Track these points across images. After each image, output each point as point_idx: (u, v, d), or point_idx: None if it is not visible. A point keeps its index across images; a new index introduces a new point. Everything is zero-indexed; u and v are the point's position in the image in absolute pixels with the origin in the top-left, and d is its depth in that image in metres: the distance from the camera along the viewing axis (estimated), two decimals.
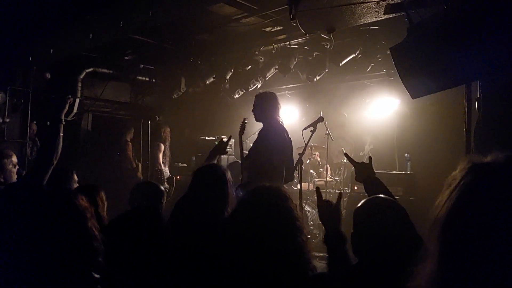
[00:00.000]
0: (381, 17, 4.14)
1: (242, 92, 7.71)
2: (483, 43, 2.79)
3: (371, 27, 5.74)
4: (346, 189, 7.31)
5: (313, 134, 4.78)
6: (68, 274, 1.79)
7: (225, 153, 3.95)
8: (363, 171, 2.48)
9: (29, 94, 7.07)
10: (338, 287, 1.92)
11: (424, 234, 0.90)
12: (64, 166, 3.66)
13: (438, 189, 0.88)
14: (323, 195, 2.31)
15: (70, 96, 3.40)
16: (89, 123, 8.71)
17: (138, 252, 2.21)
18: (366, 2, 3.76)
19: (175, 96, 8.28)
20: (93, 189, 3.11)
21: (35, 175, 3.05)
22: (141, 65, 8.28)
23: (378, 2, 3.75)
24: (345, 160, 7.52)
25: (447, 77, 3.04)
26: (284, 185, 5.22)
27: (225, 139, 4.00)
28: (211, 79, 7.74)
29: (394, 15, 3.81)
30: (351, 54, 6.30)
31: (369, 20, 4.37)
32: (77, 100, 7.56)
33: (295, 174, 4.70)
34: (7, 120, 6.73)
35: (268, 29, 6.45)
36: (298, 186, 5.08)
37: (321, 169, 7.83)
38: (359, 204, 2.01)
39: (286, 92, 8.61)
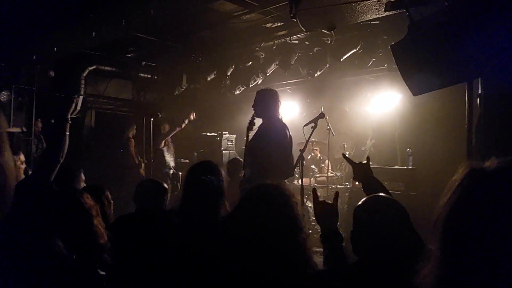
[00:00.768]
0: (381, 14, 4.15)
1: (243, 88, 7.74)
2: (485, 40, 2.80)
3: (372, 22, 5.74)
4: (347, 184, 7.33)
5: (314, 130, 4.79)
6: (74, 270, 1.83)
7: None
8: (361, 171, 2.50)
9: (34, 92, 7.13)
10: (337, 286, 1.95)
11: (426, 229, 0.93)
12: (72, 165, 3.70)
13: (440, 184, 0.92)
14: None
15: (76, 96, 3.44)
16: (92, 120, 8.76)
17: (143, 250, 2.25)
18: (366, 0, 3.77)
19: (177, 92, 8.32)
20: (99, 188, 3.16)
21: (42, 174, 3.09)
22: (143, 63, 8.32)
23: (378, 0, 3.77)
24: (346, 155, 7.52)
25: (449, 75, 3.05)
26: (285, 181, 5.26)
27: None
28: (212, 76, 7.77)
29: (394, 12, 3.82)
30: (352, 49, 6.31)
31: (369, 17, 4.38)
32: (81, 98, 7.61)
33: (296, 170, 4.72)
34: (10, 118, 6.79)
35: (268, 25, 6.46)
36: (300, 181, 5.11)
37: (322, 165, 7.85)
38: (359, 203, 2.03)
39: (287, 87, 8.62)
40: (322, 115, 4.85)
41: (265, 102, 4.52)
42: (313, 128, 4.74)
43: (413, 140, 6.97)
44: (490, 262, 0.76)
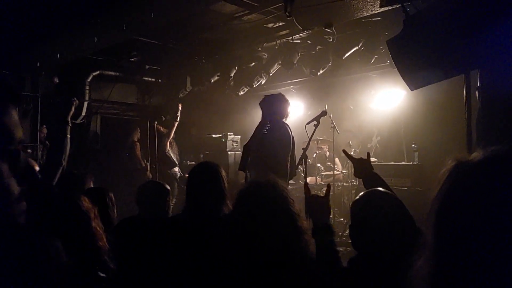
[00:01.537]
0: (377, 10, 4.14)
1: (247, 89, 7.76)
2: (482, 32, 2.79)
3: (373, 19, 5.73)
4: (354, 182, 7.32)
5: (319, 128, 4.79)
6: (73, 272, 1.85)
7: None
8: (362, 167, 2.51)
9: (38, 99, 7.21)
10: (336, 280, 1.96)
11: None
12: (81, 171, 3.74)
13: None
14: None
15: (75, 99, 3.47)
16: (98, 125, 8.83)
17: (146, 253, 2.27)
18: None
19: (181, 95, 8.36)
20: (101, 190, 3.18)
21: (44, 177, 3.12)
22: (147, 66, 8.37)
23: None
24: (351, 153, 7.52)
25: (446, 67, 3.04)
26: (291, 180, 5.28)
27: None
28: (216, 77, 7.80)
29: (389, 8, 3.81)
30: (354, 47, 6.30)
31: (365, 13, 4.37)
32: (85, 103, 7.68)
33: (301, 168, 4.74)
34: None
35: (270, 25, 6.47)
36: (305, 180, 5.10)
37: (328, 163, 7.83)
38: (356, 198, 2.05)
39: (291, 87, 8.62)
40: (324, 113, 4.85)
41: (276, 105, 4.59)
42: (316, 126, 4.74)
43: (419, 136, 6.94)
44: (481, 253, 0.77)
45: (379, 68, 7.14)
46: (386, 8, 3.92)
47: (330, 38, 6.15)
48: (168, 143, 8.06)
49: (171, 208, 3.97)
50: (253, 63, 7.46)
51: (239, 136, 8.84)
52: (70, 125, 3.27)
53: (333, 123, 7.01)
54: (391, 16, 4.93)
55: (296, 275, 1.86)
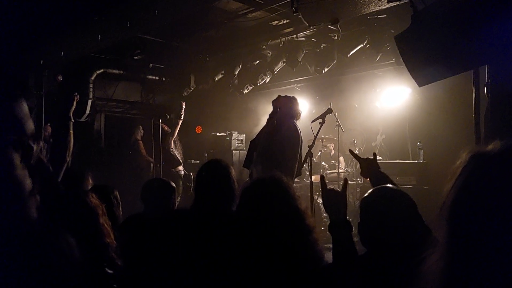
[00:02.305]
0: (384, 5, 4.11)
1: (251, 87, 7.73)
2: (491, 27, 2.76)
3: (379, 16, 5.70)
4: (359, 180, 7.29)
5: (324, 127, 4.77)
6: (82, 268, 1.83)
7: None
8: (368, 166, 2.49)
9: (42, 97, 7.20)
10: (345, 277, 1.94)
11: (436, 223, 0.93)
12: (80, 167, 3.72)
13: None
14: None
15: (76, 94, 3.45)
16: (102, 123, 8.82)
17: (153, 250, 2.25)
18: None
19: (185, 93, 8.35)
20: (107, 188, 3.16)
21: (49, 174, 3.10)
22: (151, 64, 8.36)
23: None
24: (356, 151, 7.49)
25: (455, 63, 3.01)
26: (296, 179, 5.27)
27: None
28: (220, 76, 7.79)
29: (397, 3, 3.77)
30: (359, 44, 6.27)
31: (372, 9, 4.33)
32: (89, 102, 7.67)
33: (305, 166, 4.74)
34: None
35: (274, 23, 6.45)
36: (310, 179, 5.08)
37: (333, 161, 7.81)
38: (366, 194, 2.02)
39: (295, 85, 8.59)
40: (329, 111, 4.83)
41: (287, 106, 4.63)
42: (321, 124, 4.73)
43: (424, 134, 6.91)
44: (497, 248, 0.75)
45: (384, 66, 7.11)
46: (393, 4, 3.89)
47: (335, 36, 6.13)
48: (172, 142, 8.04)
49: (176, 206, 3.95)
50: (258, 61, 7.45)
51: (244, 135, 8.81)
52: (73, 120, 3.25)
53: (338, 121, 6.99)
54: (397, 13, 4.90)
55: (303, 273, 1.84)
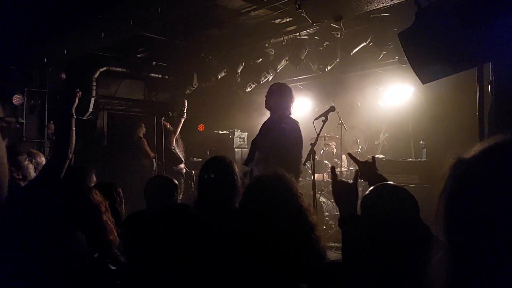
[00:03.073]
0: (388, 3, 4.09)
1: (254, 85, 7.73)
2: (495, 23, 2.75)
3: (382, 14, 5.68)
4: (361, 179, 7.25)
5: (326, 125, 4.74)
6: (84, 265, 1.84)
7: None
8: (367, 170, 2.48)
9: (46, 95, 7.23)
10: (355, 275, 1.93)
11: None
12: (84, 164, 3.72)
13: None
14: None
15: (78, 90, 3.45)
16: (104, 121, 8.84)
17: (155, 246, 2.25)
18: None
19: (188, 91, 8.35)
20: (110, 185, 3.17)
21: (52, 171, 3.11)
22: (154, 62, 8.37)
23: None
24: (359, 150, 7.48)
25: (459, 60, 3.00)
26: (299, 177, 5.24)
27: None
28: (223, 74, 7.78)
29: (402, 0, 3.76)
30: (362, 43, 6.25)
31: (376, 6, 4.32)
32: (92, 99, 7.69)
33: (308, 165, 4.71)
34: (23, 121, 6.89)
35: (277, 21, 6.44)
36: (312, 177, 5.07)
37: (336, 159, 7.79)
38: (367, 192, 2.02)
39: (298, 83, 8.58)
40: (332, 109, 4.82)
41: (280, 96, 4.43)
42: (324, 122, 4.70)
43: (427, 133, 6.89)
44: (491, 250, 0.76)
45: (387, 65, 7.10)
46: (397, 1, 3.87)
47: (338, 34, 6.12)
48: (174, 140, 8.04)
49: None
50: (260, 59, 7.43)
51: (246, 133, 8.81)
52: (75, 117, 3.25)
53: (340, 119, 6.98)
54: (400, 11, 4.88)
55: (306, 271, 1.84)
